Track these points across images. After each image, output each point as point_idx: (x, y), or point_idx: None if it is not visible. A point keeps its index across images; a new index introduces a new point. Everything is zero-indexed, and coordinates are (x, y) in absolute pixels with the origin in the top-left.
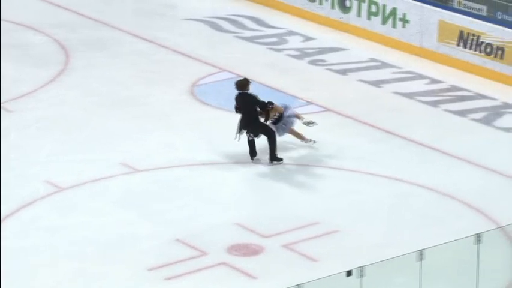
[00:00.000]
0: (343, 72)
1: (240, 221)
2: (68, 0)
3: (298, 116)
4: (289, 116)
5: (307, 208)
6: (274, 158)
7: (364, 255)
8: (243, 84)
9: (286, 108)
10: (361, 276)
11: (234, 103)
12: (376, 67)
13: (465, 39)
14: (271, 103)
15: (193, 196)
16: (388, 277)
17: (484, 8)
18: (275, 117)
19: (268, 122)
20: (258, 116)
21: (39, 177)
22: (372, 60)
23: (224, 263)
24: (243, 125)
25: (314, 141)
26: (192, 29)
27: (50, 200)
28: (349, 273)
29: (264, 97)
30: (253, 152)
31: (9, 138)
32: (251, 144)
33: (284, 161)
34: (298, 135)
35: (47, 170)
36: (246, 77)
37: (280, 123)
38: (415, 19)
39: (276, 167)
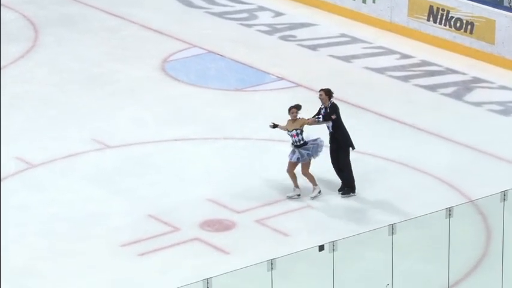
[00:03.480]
0: (314, 47)
1: (213, 197)
2: None
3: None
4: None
5: (279, 183)
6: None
7: (336, 230)
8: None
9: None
10: (333, 250)
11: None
12: (347, 42)
13: (435, 14)
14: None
15: (165, 172)
16: (360, 251)
17: None
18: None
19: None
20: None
21: (10, 154)
22: (343, 35)
23: (197, 239)
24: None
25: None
26: (163, 4)
27: (21, 177)
28: (321, 247)
29: (234, 72)
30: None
31: None
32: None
33: (255, 136)
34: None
35: (18, 147)
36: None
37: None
38: None
39: (248, 143)
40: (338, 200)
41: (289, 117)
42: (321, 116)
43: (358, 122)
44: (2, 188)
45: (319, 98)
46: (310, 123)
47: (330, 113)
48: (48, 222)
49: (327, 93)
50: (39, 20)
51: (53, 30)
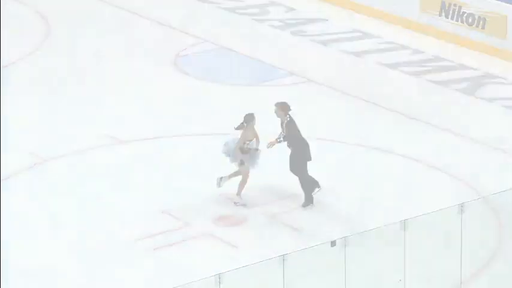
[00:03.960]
0: (325, 43)
1: (224, 192)
2: None
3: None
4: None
5: (291, 179)
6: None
7: (348, 226)
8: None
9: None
10: (345, 246)
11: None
12: (358, 38)
13: (447, 9)
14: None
15: (177, 167)
16: (371, 247)
17: None
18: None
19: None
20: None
21: (23, 148)
22: (354, 30)
23: (209, 234)
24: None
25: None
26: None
27: (32, 171)
28: (333, 243)
29: (246, 68)
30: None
31: None
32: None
33: (266, 131)
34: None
35: (30, 142)
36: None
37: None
38: None
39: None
40: (350, 194)
41: (239, 128)
42: (281, 137)
43: (369, 117)
44: (14, 183)
45: (275, 112)
46: (271, 145)
47: (286, 139)
48: (60, 218)
49: (283, 108)
50: (52, 14)
51: (65, 25)
